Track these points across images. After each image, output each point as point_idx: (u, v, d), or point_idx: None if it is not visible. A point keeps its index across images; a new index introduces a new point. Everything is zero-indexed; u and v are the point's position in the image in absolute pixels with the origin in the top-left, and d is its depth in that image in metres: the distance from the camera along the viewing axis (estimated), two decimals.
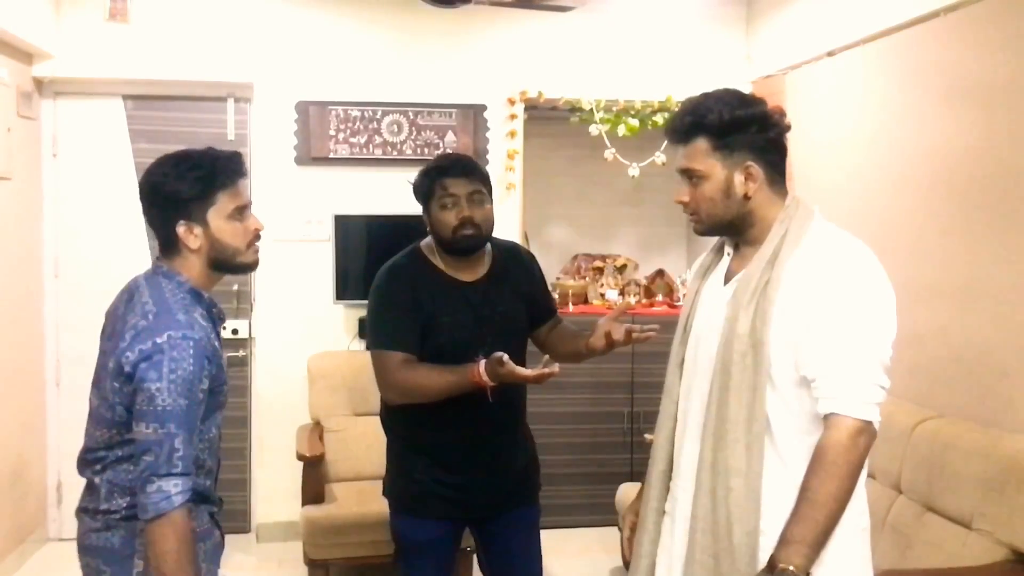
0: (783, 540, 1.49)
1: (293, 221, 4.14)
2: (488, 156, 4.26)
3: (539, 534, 2.45)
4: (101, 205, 4.09)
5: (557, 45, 4.27)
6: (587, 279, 4.61)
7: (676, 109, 4.15)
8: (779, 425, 1.57)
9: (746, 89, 4.27)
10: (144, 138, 4.07)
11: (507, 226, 4.24)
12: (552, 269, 4.82)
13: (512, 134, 4.27)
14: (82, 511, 1.80)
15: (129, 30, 3.97)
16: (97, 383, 1.77)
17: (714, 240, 1.81)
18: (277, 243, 3.94)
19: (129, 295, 1.80)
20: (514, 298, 2.33)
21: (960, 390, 2.74)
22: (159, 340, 1.64)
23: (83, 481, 1.80)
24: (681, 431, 1.75)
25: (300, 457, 3.46)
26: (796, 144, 3.85)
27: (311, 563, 3.40)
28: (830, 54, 3.56)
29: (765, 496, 1.56)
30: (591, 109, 4.20)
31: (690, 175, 1.65)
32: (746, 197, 1.62)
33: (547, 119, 4.47)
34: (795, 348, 1.54)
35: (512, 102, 4.25)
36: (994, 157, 2.64)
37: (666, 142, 1.73)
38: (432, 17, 4.06)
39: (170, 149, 1.82)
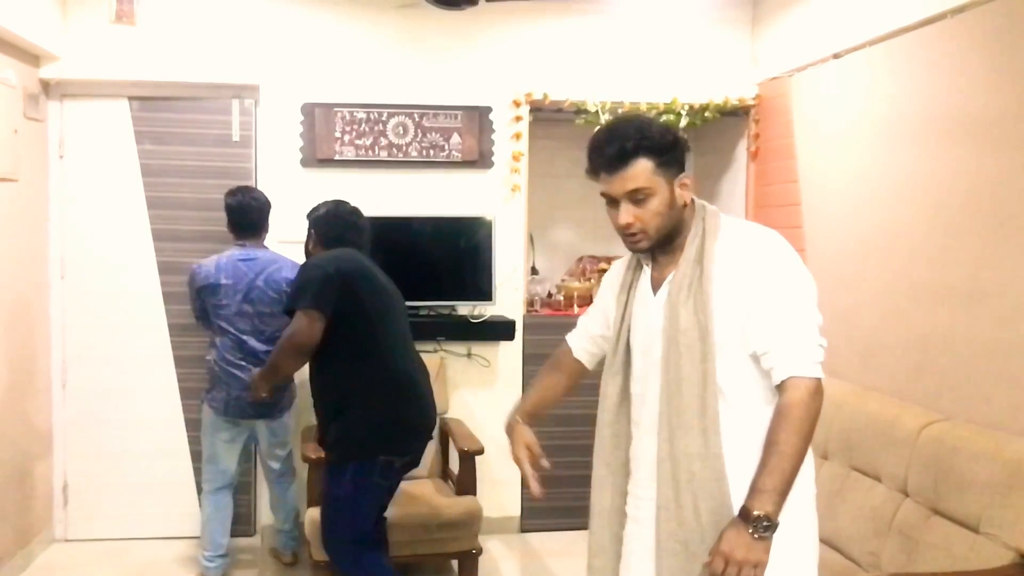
0: (754, 490, 1.63)
1: (298, 223, 4.13)
2: (493, 158, 4.26)
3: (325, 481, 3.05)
4: (107, 206, 4.10)
5: (562, 47, 4.27)
6: (592, 280, 4.60)
7: (681, 111, 4.20)
8: (737, 399, 1.72)
9: (752, 91, 4.32)
10: (150, 139, 4.08)
11: (512, 227, 4.25)
12: (557, 270, 4.83)
13: (517, 136, 4.27)
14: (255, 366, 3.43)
15: (135, 32, 3.98)
16: (265, 301, 3.49)
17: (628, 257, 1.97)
18: (282, 244, 3.94)
19: (261, 261, 3.55)
20: None
21: (967, 393, 2.73)
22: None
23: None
24: (637, 435, 1.87)
25: (305, 459, 3.45)
26: (802, 146, 3.87)
27: (315, 565, 3.39)
28: (836, 56, 3.55)
29: (732, 470, 1.69)
30: (596, 111, 4.19)
31: (636, 195, 1.78)
32: (684, 206, 1.81)
33: (552, 121, 4.47)
34: (741, 329, 1.70)
35: (517, 104, 4.25)
36: (1001, 158, 2.63)
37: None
38: (437, 19, 4.07)
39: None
